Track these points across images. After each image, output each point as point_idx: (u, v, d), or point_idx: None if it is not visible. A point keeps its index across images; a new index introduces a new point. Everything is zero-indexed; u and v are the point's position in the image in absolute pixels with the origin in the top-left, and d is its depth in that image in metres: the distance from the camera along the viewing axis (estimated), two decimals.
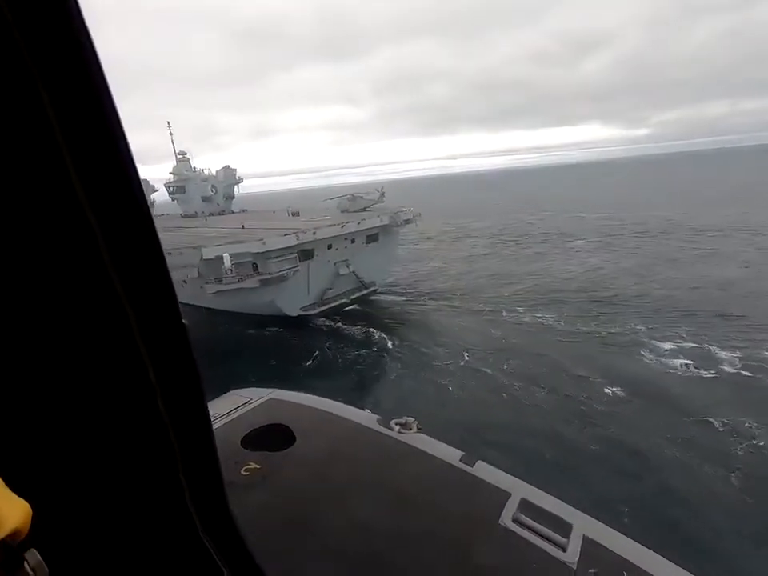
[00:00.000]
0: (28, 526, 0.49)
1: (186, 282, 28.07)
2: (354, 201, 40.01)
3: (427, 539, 2.17)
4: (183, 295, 31.29)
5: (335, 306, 31.47)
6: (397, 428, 3.03)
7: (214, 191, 57.56)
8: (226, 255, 24.50)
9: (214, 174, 59.14)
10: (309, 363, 21.95)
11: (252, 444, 2.98)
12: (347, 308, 32.28)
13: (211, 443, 0.88)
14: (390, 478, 2.60)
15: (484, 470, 2.62)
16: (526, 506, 2.32)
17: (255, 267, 26.80)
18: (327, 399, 3.61)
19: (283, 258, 26.89)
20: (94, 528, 0.76)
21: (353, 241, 32.55)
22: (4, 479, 0.51)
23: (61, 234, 0.59)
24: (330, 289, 31.71)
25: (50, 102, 0.52)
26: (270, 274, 26.23)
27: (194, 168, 58.85)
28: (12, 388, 0.63)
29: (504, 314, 26.18)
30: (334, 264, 31.57)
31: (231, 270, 24.72)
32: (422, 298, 33.20)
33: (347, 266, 32.11)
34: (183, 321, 0.77)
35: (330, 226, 30.11)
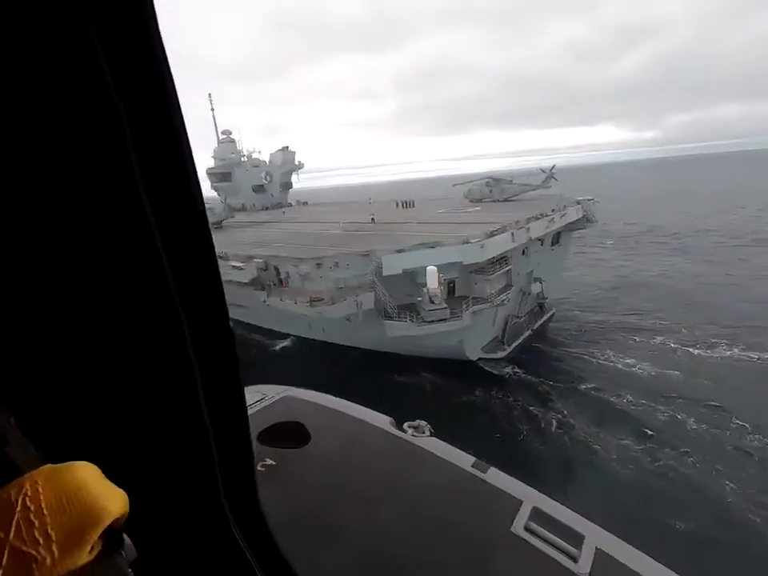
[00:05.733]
0: (127, 513, 0.55)
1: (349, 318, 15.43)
2: (498, 186, 29.12)
3: (439, 541, 2.17)
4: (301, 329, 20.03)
5: (521, 343, 20.68)
6: (410, 431, 2.97)
7: (268, 179, 46.31)
8: (431, 269, 13.58)
9: (266, 159, 47.96)
10: None
11: (267, 440, 2.95)
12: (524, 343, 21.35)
13: (247, 441, 0.92)
14: (403, 480, 2.60)
15: (496, 477, 2.57)
16: (537, 514, 2.27)
17: (452, 288, 15.94)
18: (341, 399, 3.47)
19: (497, 271, 16.03)
20: (151, 519, 0.82)
21: (542, 243, 21.71)
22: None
23: (124, 232, 0.62)
24: (519, 317, 20.78)
25: (121, 101, 0.54)
26: (488, 300, 15.32)
27: (242, 151, 47.66)
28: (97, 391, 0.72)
29: None
30: (524, 276, 20.70)
31: (439, 295, 13.74)
32: None
33: (539, 281, 21.26)
34: (230, 321, 0.77)
35: (533, 218, 19.24)
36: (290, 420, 3.14)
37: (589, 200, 25.36)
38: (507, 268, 16.51)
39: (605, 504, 10.07)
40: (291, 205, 47.54)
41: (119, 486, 0.56)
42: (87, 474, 0.52)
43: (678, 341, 18.93)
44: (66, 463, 0.52)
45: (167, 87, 0.56)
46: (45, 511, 0.46)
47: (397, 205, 32.20)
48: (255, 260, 16.53)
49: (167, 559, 0.89)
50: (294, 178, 48.39)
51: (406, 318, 14.09)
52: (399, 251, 14.58)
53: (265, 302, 16.03)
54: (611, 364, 16.72)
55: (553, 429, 13.49)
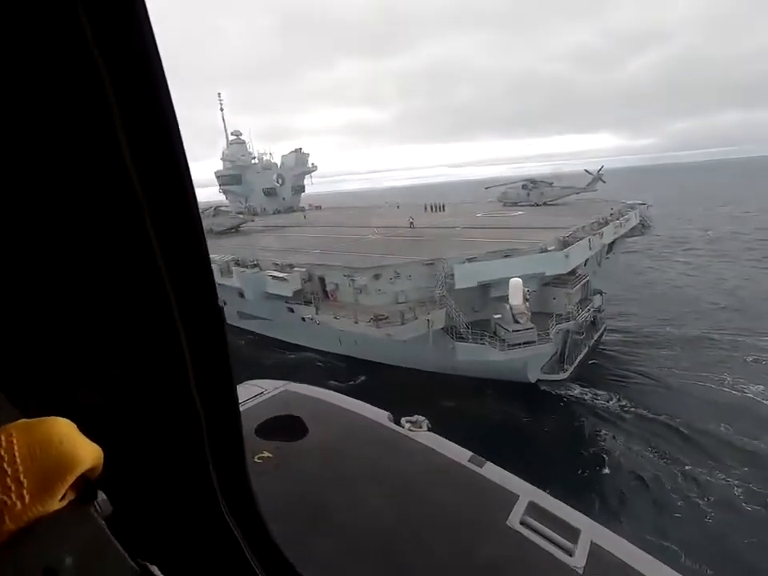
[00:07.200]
0: (101, 467, 0.57)
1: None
2: (537, 189, 27.14)
3: (434, 534, 2.16)
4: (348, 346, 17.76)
5: (581, 361, 18.53)
6: (407, 425, 2.96)
7: (280, 182, 44.21)
8: (516, 282, 11.49)
9: (276, 161, 45.83)
10: None
11: (265, 433, 2.96)
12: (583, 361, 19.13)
13: (237, 427, 0.93)
14: (399, 473, 2.59)
15: (493, 472, 2.58)
16: (533, 509, 2.27)
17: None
18: (339, 394, 3.51)
19: (577, 283, 13.96)
20: (140, 488, 0.83)
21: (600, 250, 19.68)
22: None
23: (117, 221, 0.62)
24: (580, 333, 18.59)
25: (114, 94, 0.54)
26: (572, 318, 13.23)
27: (252, 152, 45.58)
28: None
29: None
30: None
31: (525, 313, 11.61)
32: None
33: (599, 293, 19.16)
34: (220, 304, 0.78)
35: (596, 223, 17.25)
36: (288, 414, 3.15)
37: (642, 204, 23.48)
38: (586, 279, 14.47)
39: None
40: (304, 208, 45.43)
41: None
42: (62, 428, 0.53)
43: None
44: (42, 418, 0.53)
45: (160, 87, 0.56)
46: (18, 460, 0.47)
47: (425, 208, 30.18)
48: (297, 269, 14.33)
49: (156, 527, 0.86)
50: (306, 180, 46.31)
51: (484, 339, 11.91)
52: (471, 260, 12.47)
53: (312, 318, 13.78)
54: (736, 393, 13.86)
55: (739, 500, 9.90)
